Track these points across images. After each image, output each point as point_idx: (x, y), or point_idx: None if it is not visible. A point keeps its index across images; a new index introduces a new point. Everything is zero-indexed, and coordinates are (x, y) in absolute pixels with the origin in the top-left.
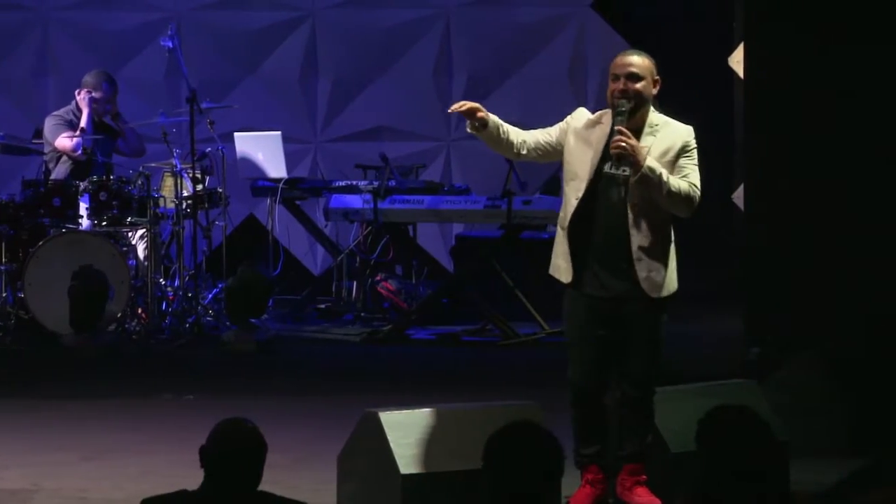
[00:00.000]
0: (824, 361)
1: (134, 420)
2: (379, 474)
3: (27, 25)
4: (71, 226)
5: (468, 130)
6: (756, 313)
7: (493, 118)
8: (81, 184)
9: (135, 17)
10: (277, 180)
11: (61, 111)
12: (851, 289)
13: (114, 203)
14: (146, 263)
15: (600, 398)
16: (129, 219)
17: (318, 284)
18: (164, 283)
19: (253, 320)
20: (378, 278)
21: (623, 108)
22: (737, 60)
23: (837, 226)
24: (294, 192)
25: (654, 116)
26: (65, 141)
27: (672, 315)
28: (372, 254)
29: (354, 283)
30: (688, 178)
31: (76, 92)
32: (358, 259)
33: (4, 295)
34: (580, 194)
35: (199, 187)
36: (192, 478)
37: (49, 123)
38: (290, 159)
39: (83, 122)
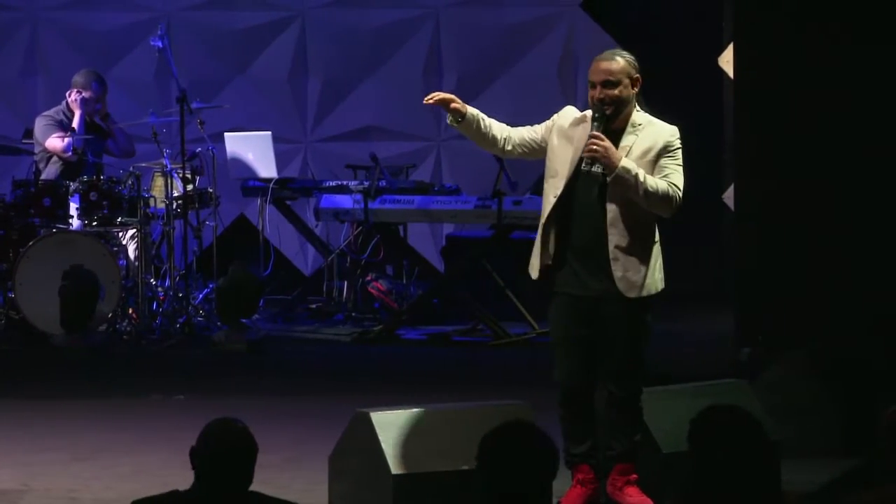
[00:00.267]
0: (815, 361)
1: (124, 420)
2: (370, 474)
3: (16, 25)
4: (61, 226)
5: (447, 122)
6: (747, 313)
7: (472, 111)
8: (72, 184)
9: (124, 17)
10: (268, 180)
11: (51, 111)
12: (842, 288)
13: (104, 203)
14: (137, 263)
15: (588, 397)
16: (119, 219)
17: (308, 284)
18: (154, 283)
19: (244, 320)
20: (369, 278)
21: (598, 115)
22: (726, 60)
23: (828, 225)
24: (284, 192)
25: (638, 116)
26: (55, 141)
27: (663, 315)
28: (362, 254)
29: (345, 284)
30: (668, 178)
31: (67, 93)
32: (348, 259)
33: None
34: (559, 192)
35: (190, 187)
36: (183, 477)
37: (39, 124)
38: (281, 159)
39: (75, 123)
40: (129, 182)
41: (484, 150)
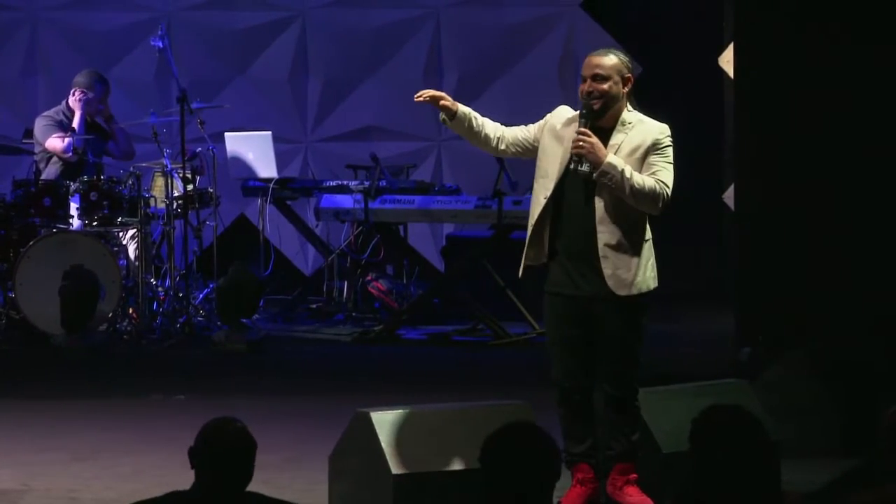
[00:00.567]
0: (816, 361)
1: (125, 420)
2: (370, 474)
3: (16, 25)
4: (62, 226)
5: (440, 119)
6: (747, 313)
7: (464, 109)
8: (72, 184)
9: (124, 17)
10: (268, 180)
11: (51, 112)
12: (843, 288)
13: (104, 203)
14: (137, 263)
15: (586, 396)
16: (119, 219)
17: (308, 284)
18: (154, 283)
19: (244, 320)
20: (369, 278)
21: (586, 111)
22: (726, 60)
23: (828, 225)
24: (285, 191)
25: (628, 115)
26: (56, 142)
27: (663, 315)
28: (363, 254)
29: (345, 283)
30: (656, 175)
31: (70, 93)
32: (349, 259)
33: None
34: (549, 192)
35: (190, 187)
36: (183, 477)
37: (40, 124)
38: (281, 159)
39: (75, 123)
40: (130, 182)
41: (478, 148)
